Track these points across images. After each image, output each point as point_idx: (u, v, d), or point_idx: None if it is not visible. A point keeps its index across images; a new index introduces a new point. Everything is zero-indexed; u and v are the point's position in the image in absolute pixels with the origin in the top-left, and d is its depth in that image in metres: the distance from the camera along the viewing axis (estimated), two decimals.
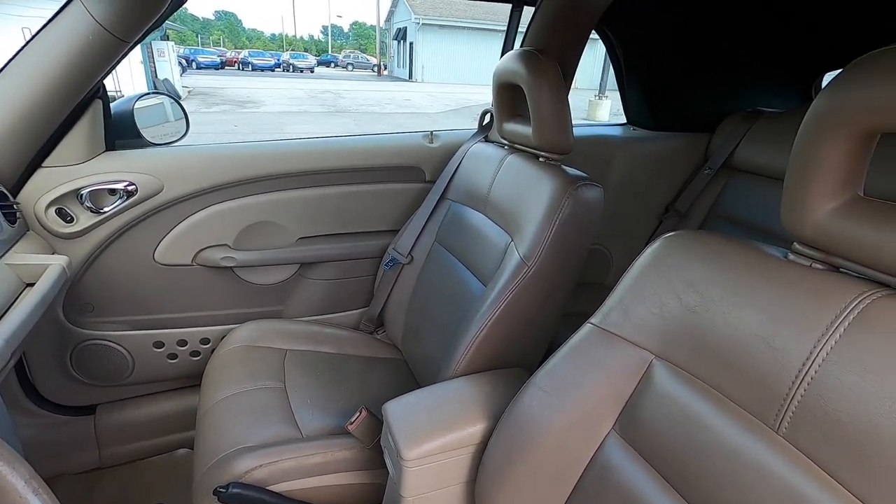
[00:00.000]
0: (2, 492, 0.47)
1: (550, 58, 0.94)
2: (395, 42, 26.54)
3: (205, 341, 1.26)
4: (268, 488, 0.80)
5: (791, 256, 0.52)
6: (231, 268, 1.25)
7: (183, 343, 1.24)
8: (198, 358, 1.26)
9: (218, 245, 1.23)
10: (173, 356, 1.24)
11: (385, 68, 28.57)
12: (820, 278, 0.48)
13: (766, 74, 1.45)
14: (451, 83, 20.14)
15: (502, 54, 1.28)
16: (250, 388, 1.01)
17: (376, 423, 0.86)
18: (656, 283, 0.61)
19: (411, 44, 21.98)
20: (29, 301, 0.79)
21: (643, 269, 0.63)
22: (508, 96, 1.08)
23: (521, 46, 1.21)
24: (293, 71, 26.22)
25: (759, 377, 0.49)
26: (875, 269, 0.44)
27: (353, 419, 0.86)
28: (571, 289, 0.93)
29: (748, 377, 0.50)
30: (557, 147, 0.97)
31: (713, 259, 0.56)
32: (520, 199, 0.97)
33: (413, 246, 1.26)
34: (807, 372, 0.45)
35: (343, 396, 1.04)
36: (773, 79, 1.49)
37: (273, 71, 25.76)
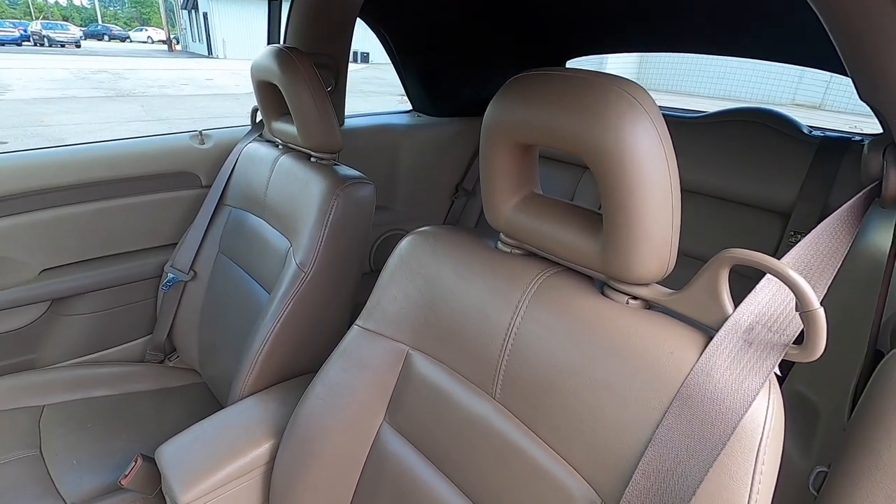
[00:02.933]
0: None
1: (304, 56, 0.92)
2: (185, 12, 23.29)
3: None
4: None
5: (499, 245, 0.60)
6: None
7: None
8: None
9: None
10: None
11: (177, 43, 24.97)
12: (517, 263, 0.57)
13: (523, 59, 1.64)
14: None
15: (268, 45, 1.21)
16: None
17: (156, 469, 0.78)
18: (402, 279, 0.66)
19: (205, 14, 19.51)
20: None
21: (393, 269, 0.67)
22: (271, 94, 1.03)
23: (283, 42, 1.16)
24: (50, 45, 21.21)
25: (478, 353, 0.56)
26: (547, 252, 0.54)
27: (127, 472, 0.77)
28: (355, 286, 0.96)
29: (471, 354, 0.57)
30: (325, 147, 0.96)
31: (442, 251, 0.63)
32: (294, 203, 0.94)
33: (194, 260, 1.15)
34: (506, 344, 0.54)
35: (124, 446, 0.91)
36: (529, 63, 1.69)
37: (19, 45, 20.51)
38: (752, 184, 1.04)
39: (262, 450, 0.73)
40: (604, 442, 0.45)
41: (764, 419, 0.38)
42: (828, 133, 1.07)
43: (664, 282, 0.48)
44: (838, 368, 0.64)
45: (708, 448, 0.38)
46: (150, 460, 0.78)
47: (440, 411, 0.60)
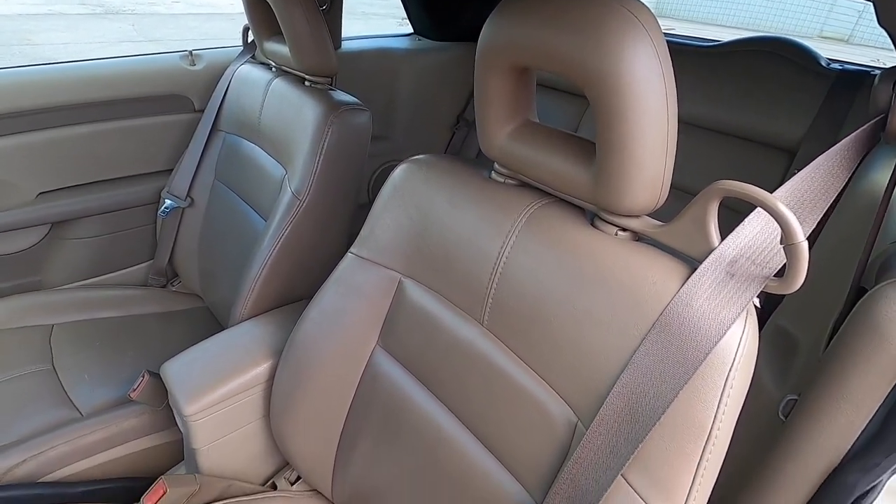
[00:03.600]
0: None
1: None
2: None
3: None
4: (40, 481, 0.74)
5: (493, 175, 0.60)
6: None
7: None
8: None
9: None
10: None
11: None
12: (510, 192, 0.57)
13: None
14: None
15: None
16: (5, 378, 0.88)
17: (163, 384, 0.82)
18: (395, 208, 0.66)
19: None
20: None
21: (386, 198, 0.67)
22: (262, 12, 0.97)
23: None
24: None
25: (468, 281, 0.57)
26: (540, 183, 0.53)
27: (135, 386, 0.82)
28: (351, 215, 0.96)
29: (461, 282, 0.58)
30: (319, 70, 0.92)
31: (435, 180, 0.62)
32: (288, 129, 0.92)
33: (191, 186, 1.14)
34: (495, 272, 0.54)
35: (131, 364, 0.96)
36: None
37: None
38: (758, 118, 1.00)
39: (262, 369, 0.77)
40: (583, 367, 0.47)
41: (737, 347, 0.39)
42: (846, 66, 1.01)
43: (657, 215, 0.48)
44: (823, 305, 0.65)
45: (680, 372, 0.40)
46: (157, 376, 0.82)
47: (430, 336, 0.62)
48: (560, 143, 0.50)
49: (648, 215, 0.48)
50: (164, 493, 0.65)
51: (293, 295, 0.92)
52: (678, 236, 0.44)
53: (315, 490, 0.78)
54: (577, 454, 0.44)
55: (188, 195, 1.14)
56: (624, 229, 0.49)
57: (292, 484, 0.80)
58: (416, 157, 0.67)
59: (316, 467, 0.74)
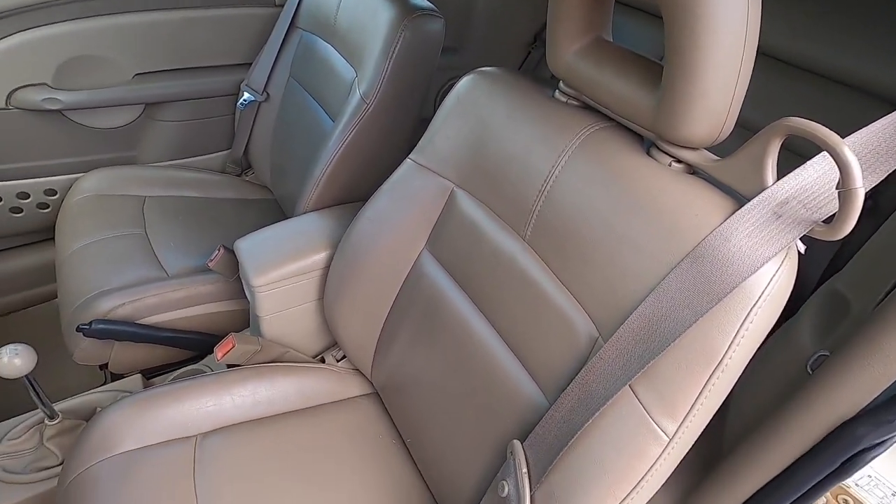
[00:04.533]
0: None
1: None
2: None
3: (50, 192, 1.19)
4: (136, 321, 0.88)
5: (556, 94, 0.59)
6: (60, 111, 1.13)
7: (24, 196, 1.17)
8: (47, 210, 1.20)
9: (35, 84, 1.08)
10: (17, 210, 1.18)
11: None
12: (570, 113, 0.57)
13: None
14: None
15: None
16: (108, 236, 1.02)
17: (235, 258, 0.93)
18: (456, 119, 0.67)
19: None
20: None
21: (449, 108, 0.68)
22: None
23: None
24: None
25: (516, 196, 0.59)
26: (602, 105, 0.53)
27: (212, 257, 0.93)
28: (415, 122, 0.98)
29: (510, 197, 0.60)
30: None
31: (498, 94, 0.63)
32: (362, 30, 0.93)
33: (267, 82, 1.19)
34: (543, 190, 0.56)
35: (209, 238, 1.08)
36: None
37: None
38: (864, 61, 0.87)
39: (320, 256, 0.84)
40: (612, 287, 0.49)
41: (766, 284, 0.40)
42: None
43: (717, 151, 0.47)
44: (885, 276, 0.62)
45: (704, 302, 0.41)
46: (230, 252, 0.92)
47: (474, 245, 0.66)
48: (628, 64, 0.49)
49: (709, 150, 0.47)
50: (233, 346, 0.76)
51: (353, 196, 0.97)
52: (732, 172, 0.44)
53: (356, 370, 0.88)
54: (591, 363, 0.48)
55: (265, 90, 1.19)
56: (679, 161, 0.48)
57: (338, 361, 0.91)
58: (484, 69, 0.67)
59: (359, 351, 0.83)
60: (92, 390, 0.89)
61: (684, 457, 0.64)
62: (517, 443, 0.54)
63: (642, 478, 0.44)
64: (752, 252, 0.40)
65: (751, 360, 0.76)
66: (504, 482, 0.53)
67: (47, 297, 1.30)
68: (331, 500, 0.69)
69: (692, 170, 0.49)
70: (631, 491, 0.45)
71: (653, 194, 0.47)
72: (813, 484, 0.54)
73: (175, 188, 1.19)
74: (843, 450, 0.50)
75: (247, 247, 0.84)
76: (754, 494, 0.59)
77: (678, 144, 0.47)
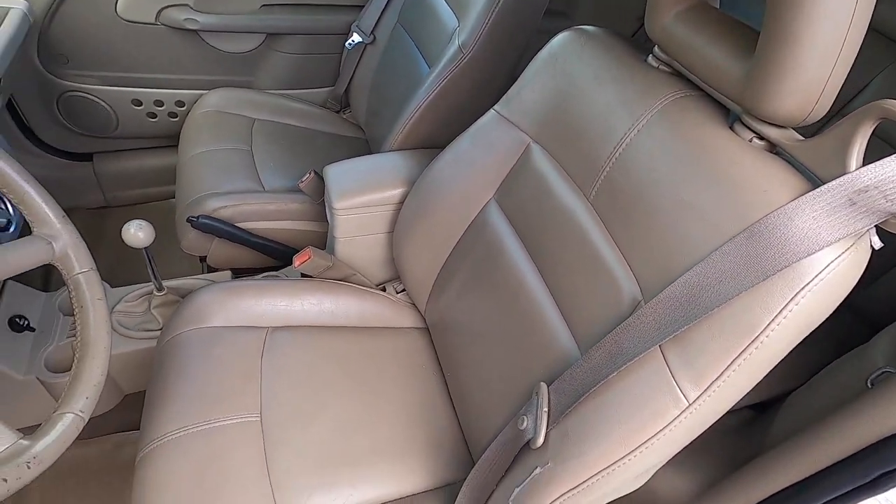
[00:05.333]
0: (40, 220, 0.59)
1: None
2: None
3: (180, 104, 1.35)
4: (234, 224, 1.00)
5: (649, 59, 0.59)
6: (197, 32, 1.27)
7: (160, 103, 1.34)
8: (175, 119, 1.37)
9: (179, 4, 1.22)
10: (152, 115, 1.35)
11: None
12: (658, 78, 0.56)
13: None
14: None
15: None
16: (221, 148, 1.15)
17: (322, 184, 1.02)
18: (546, 73, 0.68)
19: None
20: None
21: (539, 63, 0.70)
22: None
23: None
24: None
25: (588, 156, 0.60)
26: (693, 72, 0.52)
27: (303, 179, 1.02)
28: (507, 81, 0.99)
29: (582, 156, 0.61)
30: None
31: (590, 53, 0.63)
32: None
33: (376, 25, 1.25)
34: (615, 152, 0.57)
35: (302, 164, 1.18)
36: None
37: None
38: None
39: (397, 192, 0.90)
40: (664, 253, 0.50)
41: (822, 269, 0.39)
42: None
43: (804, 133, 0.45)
44: None
45: (752, 276, 0.41)
46: (320, 177, 1.01)
47: (540, 201, 0.68)
48: (726, 30, 0.47)
49: (797, 130, 0.45)
50: (309, 258, 0.86)
51: (435, 142, 1.02)
52: (815, 153, 0.42)
53: (412, 304, 0.95)
54: (627, 321, 0.50)
55: (372, 32, 1.25)
56: (761, 138, 0.47)
57: (397, 293, 0.98)
58: (581, 27, 0.67)
59: (417, 286, 0.89)
60: (191, 276, 1.04)
61: (713, 450, 0.65)
62: (543, 384, 0.57)
63: (654, 435, 0.46)
64: (813, 234, 0.39)
65: (817, 372, 0.73)
66: (525, 417, 0.57)
67: (165, 196, 1.49)
68: (370, 406, 0.77)
69: (774, 149, 0.47)
70: (640, 446, 0.47)
71: (724, 166, 0.46)
72: (843, 492, 0.53)
73: (280, 115, 1.30)
74: (880, 462, 0.48)
75: (334, 172, 0.92)
76: (782, 491, 0.58)
77: (764, 120, 0.45)
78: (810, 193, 0.41)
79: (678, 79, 0.55)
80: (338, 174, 0.92)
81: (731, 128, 0.49)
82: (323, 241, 1.10)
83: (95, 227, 1.42)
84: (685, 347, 0.46)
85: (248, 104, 1.29)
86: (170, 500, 0.62)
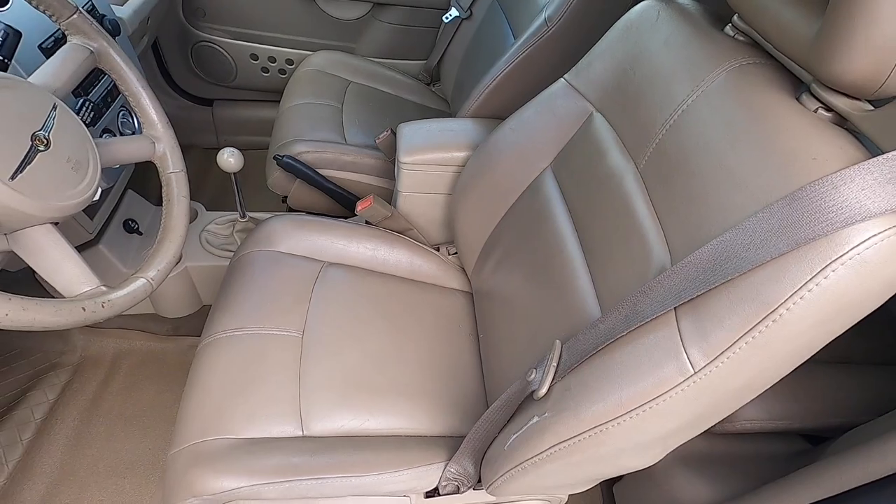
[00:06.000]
0: (149, 122, 0.70)
1: None
2: None
3: (289, 62, 1.49)
4: (316, 169, 1.10)
5: (727, 29, 0.56)
6: None
7: (273, 59, 1.48)
8: (283, 76, 1.51)
9: None
10: (265, 70, 1.50)
11: None
12: (729, 46, 0.53)
13: None
14: None
15: None
16: (315, 102, 1.26)
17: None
18: (619, 42, 0.67)
19: None
20: None
21: (616, 31, 0.69)
22: None
23: None
24: None
25: (645, 122, 0.59)
26: (764, 35, 0.49)
27: (380, 136, 1.09)
28: None
29: (639, 122, 0.60)
30: None
31: (665, 21, 0.61)
32: None
33: (474, 0, 1.28)
34: (671, 119, 0.55)
35: (385, 127, 1.25)
36: None
37: None
38: None
39: (461, 154, 0.94)
40: (698, 219, 0.48)
41: (858, 243, 0.36)
42: None
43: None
44: None
45: (781, 245, 0.39)
46: (395, 137, 1.07)
47: (593, 169, 0.67)
48: None
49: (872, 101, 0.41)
50: (370, 204, 0.92)
51: (506, 112, 1.03)
52: (882, 121, 0.38)
53: (462, 269, 0.98)
54: (647, 284, 0.49)
55: (469, 7, 1.29)
56: (828, 109, 0.43)
57: (449, 255, 1.02)
58: (649, 2, 0.65)
59: (467, 249, 0.92)
60: (272, 213, 1.15)
61: (751, 470, 0.61)
62: (558, 342, 0.57)
63: (652, 399, 0.45)
64: (857, 205, 0.36)
65: (889, 410, 0.65)
66: (534, 369, 0.58)
67: (262, 146, 1.66)
68: (400, 348, 0.81)
69: (843, 123, 0.43)
70: (637, 408, 0.46)
71: (776, 133, 0.44)
72: None
73: (374, 80, 1.39)
74: None
75: (406, 130, 0.98)
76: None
77: (832, 87, 0.42)
78: (865, 162, 0.37)
79: (752, 47, 0.52)
80: (409, 131, 0.97)
81: (798, 99, 0.46)
82: (389, 197, 1.16)
83: (206, 162, 1.61)
84: (700, 315, 0.44)
85: (347, 67, 1.39)
86: (216, 380, 0.71)
